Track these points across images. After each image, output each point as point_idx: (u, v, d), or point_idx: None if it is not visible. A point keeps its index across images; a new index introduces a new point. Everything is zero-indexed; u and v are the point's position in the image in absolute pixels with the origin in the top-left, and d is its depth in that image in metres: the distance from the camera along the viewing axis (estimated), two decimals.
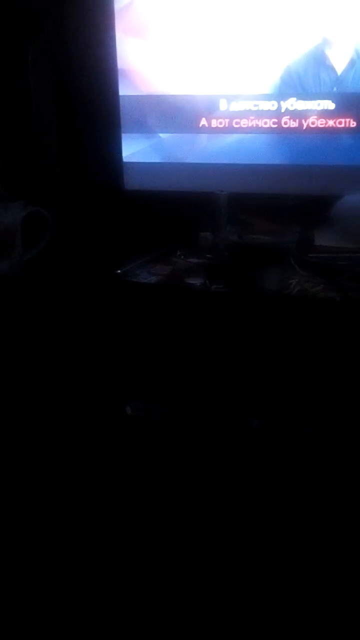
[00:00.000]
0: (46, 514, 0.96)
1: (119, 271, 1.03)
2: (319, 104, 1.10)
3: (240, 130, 1.15)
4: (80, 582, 0.91)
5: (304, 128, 1.12)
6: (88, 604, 0.88)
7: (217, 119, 1.16)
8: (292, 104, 1.12)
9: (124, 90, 1.19)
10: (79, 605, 0.88)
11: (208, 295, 0.95)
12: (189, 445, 0.96)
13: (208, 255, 1.09)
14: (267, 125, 1.14)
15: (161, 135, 1.21)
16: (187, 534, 0.94)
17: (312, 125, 1.11)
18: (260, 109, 1.13)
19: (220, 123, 1.16)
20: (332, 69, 1.08)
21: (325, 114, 1.10)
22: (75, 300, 1.00)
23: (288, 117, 1.12)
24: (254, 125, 1.14)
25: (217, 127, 1.16)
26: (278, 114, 1.12)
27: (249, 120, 1.14)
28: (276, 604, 0.86)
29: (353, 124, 1.09)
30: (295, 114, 1.12)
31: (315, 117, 1.11)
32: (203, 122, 1.17)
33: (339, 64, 1.08)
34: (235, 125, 1.15)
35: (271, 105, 1.12)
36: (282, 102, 1.12)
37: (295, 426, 0.92)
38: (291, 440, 0.92)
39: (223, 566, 0.90)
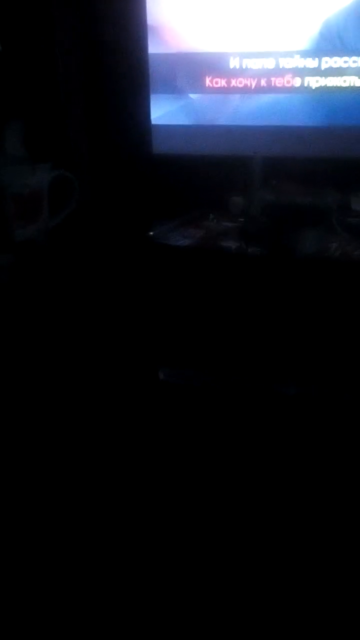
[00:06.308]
0: (74, 481, 0.95)
1: (151, 233, 1.00)
2: (357, 61, 1.05)
3: (275, 89, 1.11)
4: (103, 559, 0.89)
5: (343, 87, 1.07)
6: (102, 579, 0.87)
7: (250, 77, 1.11)
8: (330, 60, 1.06)
9: (153, 48, 1.14)
10: (89, 583, 0.86)
11: (245, 259, 0.92)
12: (222, 412, 0.94)
13: (240, 219, 1.05)
14: (304, 84, 1.09)
15: (191, 95, 1.16)
16: (217, 506, 0.92)
17: (351, 84, 1.06)
18: (296, 66, 1.08)
19: (254, 82, 1.11)
20: None
21: None
22: (105, 263, 0.97)
23: (326, 74, 1.07)
24: (290, 84, 1.10)
25: (250, 87, 1.12)
26: (315, 71, 1.08)
27: (284, 79, 1.10)
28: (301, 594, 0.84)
29: None
30: (333, 72, 1.07)
31: (355, 74, 1.06)
32: (236, 81, 1.12)
33: None
34: (270, 85, 1.10)
35: (308, 63, 1.08)
36: (320, 59, 1.07)
37: (333, 394, 0.90)
38: (329, 409, 0.89)
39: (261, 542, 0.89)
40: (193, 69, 1.14)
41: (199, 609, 0.79)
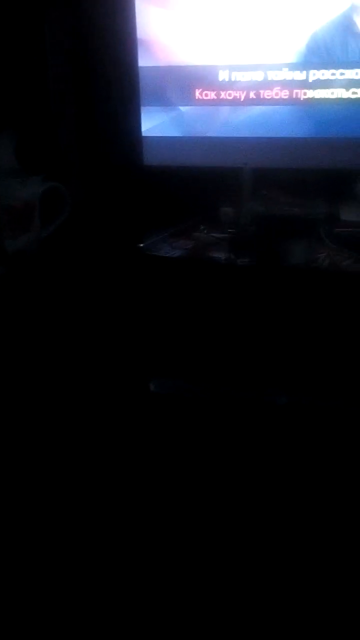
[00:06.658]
0: (63, 494, 0.95)
1: (141, 245, 1.01)
2: (344, 74, 1.06)
3: (264, 101, 1.12)
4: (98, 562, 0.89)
5: (331, 99, 1.08)
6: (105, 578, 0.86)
7: (239, 90, 1.12)
8: (318, 73, 1.08)
9: (143, 61, 1.15)
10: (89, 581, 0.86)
11: (234, 269, 0.93)
12: (213, 422, 0.94)
13: (230, 230, 1.06)
14: (292, 96, 1.10)
15: (181, 108, 1.17)
16: (209, 517, 0.92)
17: (339, 96, 1.08)
18: (284, 78, 1.09)
19: (243, 94, 1.13)
20: None
21: (353, 83, 1.07)
22: (96, 275, 0.98)
23: (314, 87, 1.08)
24: (278, 97, 1.11)
25: (239, 99, 1.13)
26: (303, 84, 1.09)
27: (273, 91, 1.11)
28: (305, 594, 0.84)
29: None
30: (321, 84, 1.08)
31: (343, 87, 1.07)
32: (225, 93, 1.13)
33: None
34: (259, 97, 1.12)
35: (296, 75, 1.09)
36: (307, 72, 1.08)
37: (324, 404, 0.90)
38: (319, 419, 0.90)
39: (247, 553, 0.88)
40: (183, 82, 1.15)
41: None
